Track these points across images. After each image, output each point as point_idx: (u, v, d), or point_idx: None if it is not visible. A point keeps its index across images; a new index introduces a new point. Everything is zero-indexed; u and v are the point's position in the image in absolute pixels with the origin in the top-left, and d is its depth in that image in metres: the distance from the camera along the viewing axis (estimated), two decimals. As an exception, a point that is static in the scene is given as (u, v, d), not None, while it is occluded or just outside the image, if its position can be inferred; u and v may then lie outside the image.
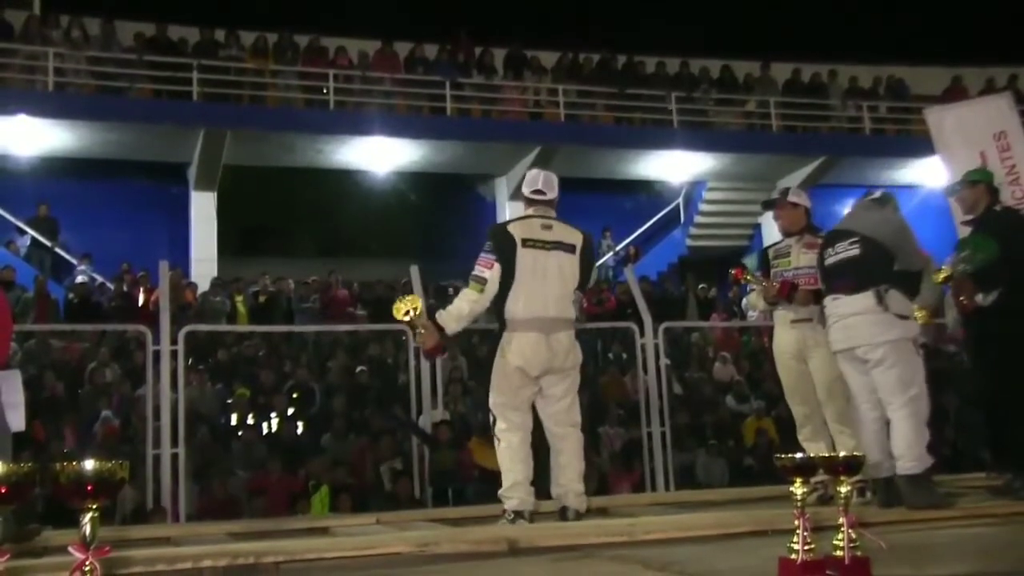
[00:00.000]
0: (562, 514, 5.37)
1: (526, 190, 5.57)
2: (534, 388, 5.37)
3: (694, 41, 21.05)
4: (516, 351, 5.26)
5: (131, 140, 16.85)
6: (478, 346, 13.59)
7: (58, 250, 16.97)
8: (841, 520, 3.13)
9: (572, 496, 5.38)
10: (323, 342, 13.58)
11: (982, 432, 8.35)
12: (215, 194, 17.77)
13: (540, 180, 5.57)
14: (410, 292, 5.62)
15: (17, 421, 5.26)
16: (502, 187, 19.71)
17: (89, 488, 2.37)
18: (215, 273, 16.27)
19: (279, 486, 9.65)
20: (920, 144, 13.54)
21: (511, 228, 5.40)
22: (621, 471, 10.68)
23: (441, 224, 20.13)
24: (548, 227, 5.43)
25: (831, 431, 5.88)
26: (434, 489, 8.98)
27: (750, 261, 6.62)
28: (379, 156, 18.28)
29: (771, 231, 17.84)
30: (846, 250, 5.38)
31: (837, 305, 5.37)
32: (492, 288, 5.27)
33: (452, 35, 19.59)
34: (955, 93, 19.48)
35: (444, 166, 19.03)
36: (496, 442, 5.38)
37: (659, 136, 19.27)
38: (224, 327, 13.07)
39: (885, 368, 5.18)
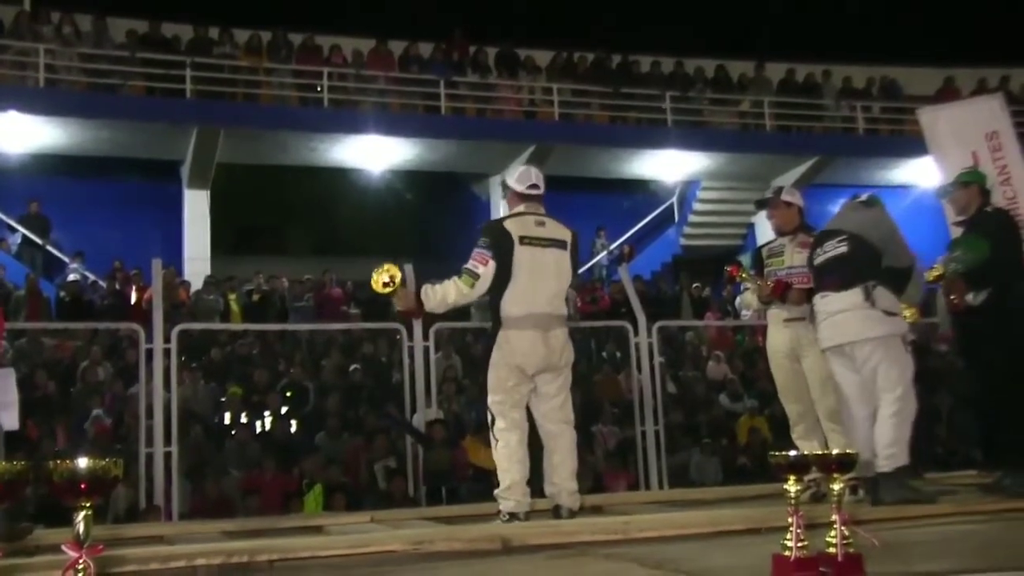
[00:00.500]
0: (556, 512, 5.37)
1: (520, 186, 5.50)
2: (530, 386, 5.36)
3: (689, 41, 21.07)
4: (514, 348, 5.24)
5: (124, 138, 16.81)
6: (472, 344, 13.61)
7: (50, 248, 16.92)
8: (834, 517, 3.14)
9: (566, 495, 5.38)
10: (317, 341, 13.58)
11: (973, 430, 8.40)
12: (209, 192, 17.73)
13: (533, 175, 5.57)
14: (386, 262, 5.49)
15: (11, 420, 5.26)
16: (496, 186, 19.69)
17: (83, 486, 2.37)
18: (209, 272, 16.26)
19: (273, 485, 9.64)
20: (913, 144, 13.58)
21: (508, 225, 5.35)
22: (615, 470, 10.69)
23: (435, 223, 20.14)
24: (542, 224, 5.43)
25: (824, 429, 5.91)
26: (428, 488, 8.97)
27: (745, 259, 6.63)
28: (373, 155, 18.27)
29: (765, 230, 17.85)
30: (834, 248, 5.41)
31: (826, 303, 5.39)
32: (483, 285, 5.24)
33: (447, 34, 19.57)
34: (947, 94, 19.55)
35: (438, 165, 19.02)
36: (493, 442, 5.34)
37: (653, 135, 19.28)
38: (217, 325, 13.07)
39: (873, 365, 5.21)
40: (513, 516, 5.18)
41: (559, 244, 5.44)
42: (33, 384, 10.66)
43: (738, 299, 13.00)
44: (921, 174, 17.80)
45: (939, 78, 21.32)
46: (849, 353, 5.30)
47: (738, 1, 24.10)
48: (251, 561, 3.97)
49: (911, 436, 5.22)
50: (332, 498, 9.00)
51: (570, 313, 14.57)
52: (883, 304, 5.21)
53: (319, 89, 17.62)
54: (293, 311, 14.44)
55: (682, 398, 12.81)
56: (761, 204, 6.46)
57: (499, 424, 5.30)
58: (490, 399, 5.32)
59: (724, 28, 23.10)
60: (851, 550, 3.13)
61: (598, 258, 19.85)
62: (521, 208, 5.49)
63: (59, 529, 4.60)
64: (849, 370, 5.33)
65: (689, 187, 21.34)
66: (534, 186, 5.52)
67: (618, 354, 13.46)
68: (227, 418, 11.30)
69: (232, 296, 14.43)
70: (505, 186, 5.64)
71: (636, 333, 9.42)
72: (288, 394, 11.81)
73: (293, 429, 11.26)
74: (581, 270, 19.18)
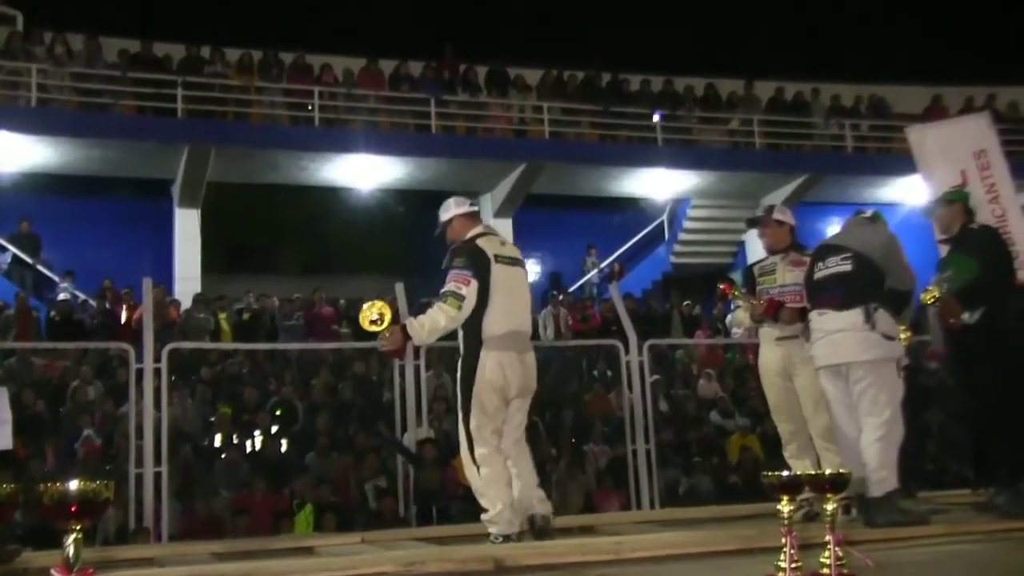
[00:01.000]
0: (531, 523, 5.31)
1: (463, 208, 5.55)
2: (507, 411, 5.30)
3: (679, 59, 21.17)
4: (495, 370, 5.18)
5: (115, 156, 16.79)
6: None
7: (40, 267, 16.87)
8: (828, 538, 3.15)
9: (537, 502, 5.34)
10: (307, 360, 13.53)
11: (964, 448, 8.40)
12: (199, 211, 17.70)
13: (462, 198, 5.64)
14: (378, 299, 5.45)
15: (4, 439, 5.23)
16: (487, 204, 19.69)
17: (73, 509, 2.35)
18: (199, 290, 16.21)
19: (263, 505, 9.58)
20: (902, 162, 13.63)
21: (480, 244, 5.33)
22: (606, 489, 10.67)
23: (426, 241, 20.01)
24: (504, 243, 5.49)
25: (817, 448, 5.90)
26: (419, 507, 8.94)
27: (737, 277, 6.62)
28: (364, 173, 18.28)
29: (755, 249, 17.94)
30: (837, 265, 5.39)
31: (824, 320, 5.37)
32: (470, 305, 5.18)
33: (437, 53, 19.63)
34: (935, 112, 19.64)
35: (429, 183, 19.01)
36: (473, 468, 5.22)
37: (643, 154, 19.34)
38: (208, 344, 13.01)
39: (863, 387, 5.20)
40: (507, 539, 5.14)
41: (520, 263, 5.50)
42: (22, 404, 10.59)
43: (729, 317, 13.07)
44: (909, 192, 17.88)
45: (927, 96, 21.43)
46: (844, 374, 5.29)
47: (727, 20, 24.27)
48: (242, 583, 3.96)
49: (902, 455, 5.22)
50: (322, 518, 8.94)
51: (560, 331, 14.57)
52: (883, 327, 5.20)
53: (310, 108, 17.62)
54: (283, 330, 14.40)
55: (673, 416, 12.80)
56: (752, 222, 6.46)
57: (481, 450, 5.20)
58: (473, 423, 5.20)
59: (713, 47, 23.25)
60: (845, 571, 3.13)
61: (589, 276, 19.86)
62: (480, 228, 5.49)
63: (48, 552, 4.57)
64: (842, 391, 5.33)
65: (679, 205, 21.38)
66: (473, 204, 5.61)
67: (609, 372, 13.45)
68: (217, 438, 11.23)
69: (223, 315, 14.38)
70: (446, 223, 5.58)
71: (627, 351, 9.41)
72: (278, 413, 11.76)
73: (283, 448, 11.21)
74: (572, 288, 19.27)
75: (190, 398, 11.63)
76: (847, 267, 5.35)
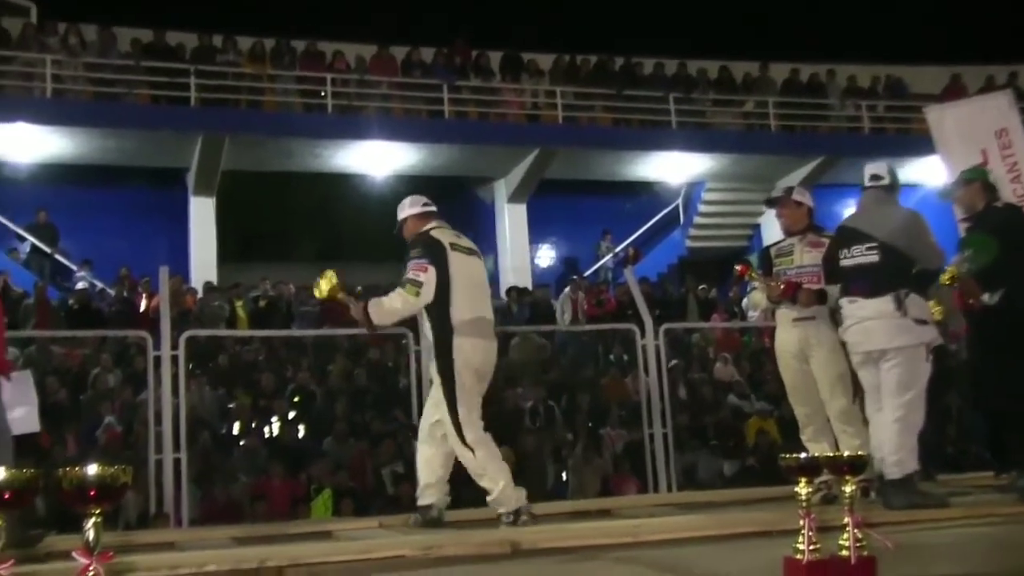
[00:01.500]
0: (425, 513, 5.48)
1: (416, 208, 5.70)
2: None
3: (692, 42, 21.05)
4: (471, 354, 5.31)
5: (129, 146, 16.85)
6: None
7: (58, 256, 16.96)
8: (847, 520, 3.13)
9: (441, 494, 5.54)
10: (323, 346, 13.55)
11: (984, 431, 8.36)
12: (214, 199, 17.76)
13: (422, 197, 5.80)
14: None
15: (31, 422, 5.29)
16: (501, 190, 19.69)
17: (92, 493, 2.36)
18: (215, 278, 16.27)
19: (281, 490, 9.62)
20: (920, 143, 13.54)
21: (435, 234, 5.48)
22: (623, 473, 10.67)
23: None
24: (459, 235, 5.61)
25: (834, 430, 5.86)
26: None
27: (753, 259, 6.58)
28: (377, 160, 18.27)
29: (771, 231, 17.86)
30: (863, 255, 5.33)
31: (855, 307, 5.33)
32: (428, 292, 5.30)
33: (449, 39, 19.58)
34: (954, 91, 19.46)
35: (442, 169, 19.01)
36: (468, 452, 5.29)
37: (657, 137, 19.26)
38: (224, 332, 13.06)
39: (889, 368, 5.17)
40: (517, 514, 5.20)
41: (477, 253, 5.64)
42: (45, 391, 10.64)
43: (745, 299, 12.98)
44: (929, 173, 17.75)
45: (946, 76, 21.23)
46: (876, 359, 5.26)
47: (741, 2, 24.09)
48: (260, 568, 3.97)
49: (922, 438, 5.19)
50: (340, 503, 8.99)
51: (577, 316, 14.55)
52: (915, 312, 5.16)
53: (322, 95, 17.63)
54: (299, 316, 14.42)
55: (689, 400, 12.77)
56: (771, 203, 6.41)
57: (471, 435, 5.29)
58: (461, 410, 5.27)
59: (727, 29, 23.08)
60: (864, 553, 3.11)
61: (603, 261, 19.83)
62: (433, 223, 5.62)
63: (70, 536, 4.60)
64: (875, 376, 5.29)
65: (694, 189, 21.31)
66: (427, 203, 5.73)
67: (625, 357, 13.42)
68: (235, 424, 11.28)
69: (239, 302, 14.42)
70: (402, 221, 5.75)
71: (643, 335, 9.38)
72: (295, 399, 11.79)
73: (300, 434, 11.25)
74: (587, 273, 19.25)
75: (207, 385, 11.67)
76: (874, 257, 5.29)
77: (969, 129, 8.68)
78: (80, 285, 15.40)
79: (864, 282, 5.29)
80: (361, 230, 20.00)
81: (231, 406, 11.56)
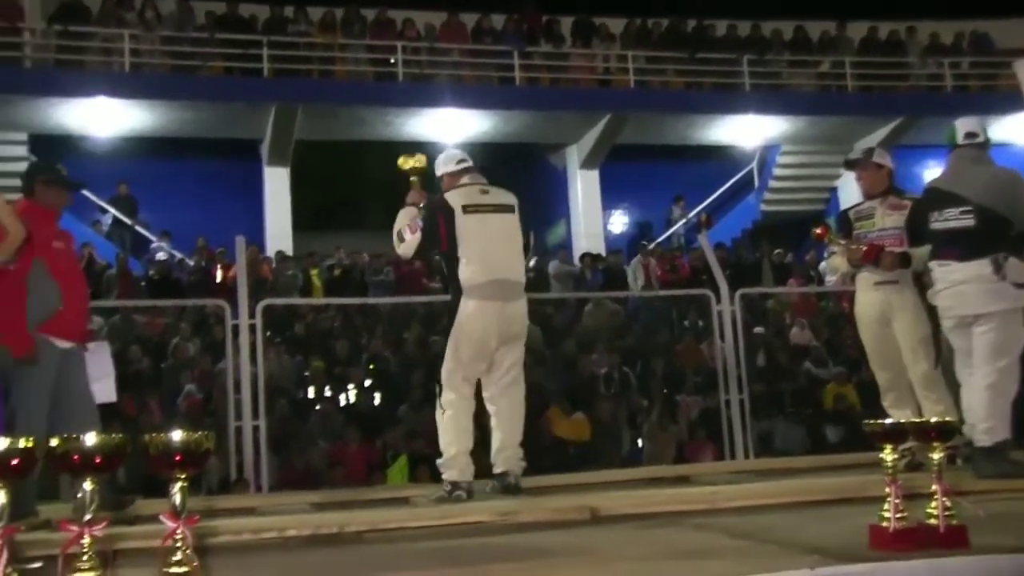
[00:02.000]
0: (502, 480, 5.34)
1: (450, 166, 5.68)
2: (487, 362, 5.36)
3: (766, 2, 20.59)
4: (475, 318, 5.26)
5: (205, 118, 17.12)
6: (553, 315, 13.58)
7: (138, 228, 17.34)
8: (935, 488, 3.05)
9: (514, 459, 5.38)
10: (398, 313, 13.66)
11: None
12: (288, 169, 17.98)
13: (457, 152, 5.82)
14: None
15: (108, 392, 5.41)
16: (573, 156, 19.60)
17: (177, 458, 2.41)
18: (290, 248, 16.49)
19: (357, 457, 9.76)
20: (1007, 100, 13.11)
21: (448, 197, 5.46)
22: (699, 440, 10.61)
23: (511, 193, 20.05)
24: (486, 191, 5.52)
25: (917, 396, 5.73)
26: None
27: (831, 222, 6.43)
28: (449, 127, 18.27)
29: (847, 195, 17.50)
30: (957, 219, 5.14)
31: (948, 271, 5.17)
32: (407, 249, 5.54)
33: (519, 5, 19.45)
34: (1044, 45, 18.76)
35: (514, 136, 18.97)
36: (440, 412, 5.34)
37: (731, 100, 18.98)
38: (301, 300, 13.24)
39: (982, 332, 5.02)
40: (455, 486, 5.17)
41: (506, 209, 5.54)
42: (128, 360, 10.93)
43: (823, 263, 12.73)
44: (1017, 131, 17.21)
45: (1035, 28, 20.49)
46: (970, 323, 5.11)
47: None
48: (340, 532, 4.02)
49: (1015, 405, 5.04)
50: (417, 469, 9.07)
51: (651, 282, 14.44)
52: (1014, 276, 4.96)
53: (393, 63, 17.67)
54: (373, 285, 14.55)
55: (765, 366, 12.62)
56: (850, 165, 6.23)
57: (447, 396, 5.32)
58: (445, 368, 5.33)
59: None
60: (954, 522, 3.03)
61: (676, 227, 19.64)
62: (464, 180, 5.58)
63: (155, 500, 4.72)
64: (967, 342, 5.14)
65: (769, 152, 20.96)
66: (463, 160, 5.69)
67: (700, 323, 13.31)
68: (311, 391, 11.45)
69: (314, 271, 14.61)
70: (439, 179, 5.77)
71: (718, 301, 9.27)
72: (371, 367, 11.92)
73: (376, 402, 11.37)
74: (660, 238, 19.10)
75: (285, 353, 11.85)
76: (969, 222, 5.10)
77: (1061, 83, 8.32)
78: (159, 256, 15.74)
79: (958, 246, 5.11)
80: (433, 198, 20.10)
81: (307, 374, 11.73)
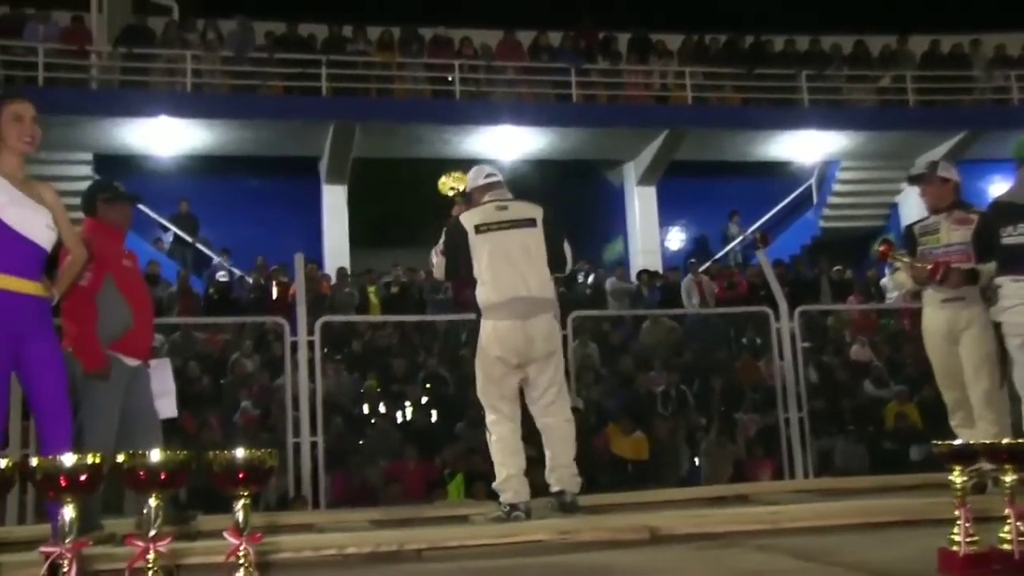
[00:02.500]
0: (559, 498, 5.28)
1: (478, 180, 5.65)
2: (519, 375, 5.33)
3: (824, 16, 20.39)
4: (492, 339, 5.26)
5: (265, 136, 17.36)
6: (610, 332, 13.53)
7: (199, 245, 17.62)
8: (1007, 511, 2.96)
9: (568, 477, 5.29)
10: (455, 331, 13.69)
11: None
12: (346, 187, 18.16)
13: (486, 167, 5.78)
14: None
15: (170, 408, 5.48)
16: (630, 172, 19.54)
17: (241, 476, 2.43)
18: (348, 265, 16.63)
19: (415, 474, 9.78)
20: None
21: (463, 218, 5.44)
22: (757, 458, 10.47)
23: (568, 211, 19.97)
24: (503, 208, 5.45)
25: (974, 416, 5.58)
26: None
27: (893, 238, 6.31)
28: (506, 145, 18.33)
29: (908, 211, 17.22)
30: None
31: (1019, 287, 5.07)
32: (438, 272, 5.66)
33: (575, 22, 19.48)
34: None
35: (571, 153, 18.98)
36: (488, 435, 5.34)
37: (789, 116, 18.79)
38: (359, 317, 13.34)
39: None
40: (513, 508, 5.10)
41: (525, 223, 5.42)
42: (188, 376, 11.08)
43: (885, 280, 12.53)
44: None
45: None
46: None
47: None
48: (400, 550, 4.03)
49: None
50: (474, 487, 9.06)
51: (705, 299, 14.33)
52: None
53: (450, 81, 17.79)
54: (431, 303, 14.61)
55: (824, 384, 12.44)
56: (915, 180, 6.11)
57: (489, 416, 5.33)
58: (479, 391, 5.38)
59: (862, 1, 22.26)
60: (1029, 547, 2.94)
61: (733, 244, 19.47)
62: (485, 198, 5.54)
63: (216, 516, 4.76)
64: None
65: (828, 168, 20.72)
66: (491, 175, 5.65)
67: (758, 340, 13.16)
68: (366, 408, 11.50)
69: (371, 288, 14.71)
70: (466, 196, 5.77)
71: (777, 318, 9.16)
72: (427, 384, 11.95)
73: (433, 419, 11.39)
74: (717, 256, 18.94)
75: (345, 370, 11.93)
76: None
77: None
78: (220, 275, 15.96)
79: None
80: (490, 215, 20.15)
81: (363, 391, 11.79)
